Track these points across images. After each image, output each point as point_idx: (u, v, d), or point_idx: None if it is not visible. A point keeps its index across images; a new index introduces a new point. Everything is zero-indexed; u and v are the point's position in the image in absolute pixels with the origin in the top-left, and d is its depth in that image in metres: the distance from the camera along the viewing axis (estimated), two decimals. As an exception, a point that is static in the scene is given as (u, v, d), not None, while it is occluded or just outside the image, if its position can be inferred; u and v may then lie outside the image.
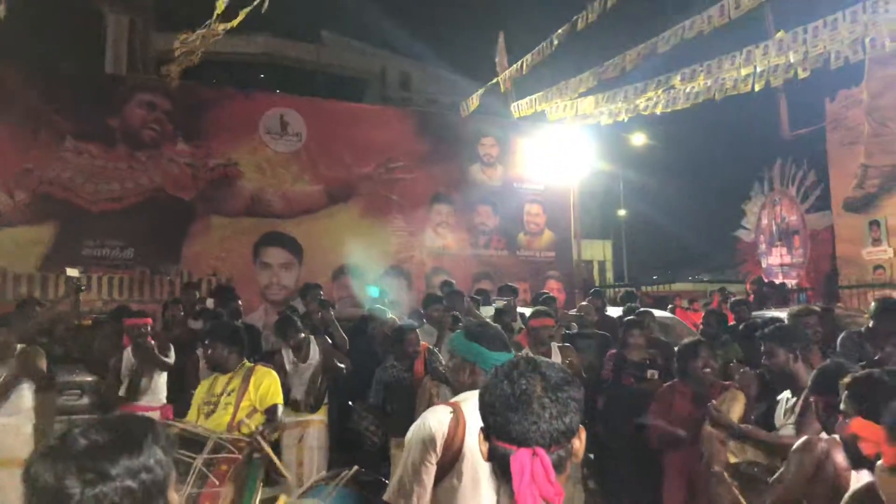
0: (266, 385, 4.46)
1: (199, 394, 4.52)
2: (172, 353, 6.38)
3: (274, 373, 4.60)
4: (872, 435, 1.71)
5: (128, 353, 6.29)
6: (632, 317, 6.60)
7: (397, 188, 13.64)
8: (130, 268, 11.35)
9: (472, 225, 14.53)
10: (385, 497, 2.58)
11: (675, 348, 5.10)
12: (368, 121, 13.85)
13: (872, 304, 6.80)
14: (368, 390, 5.89)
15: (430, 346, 5.98)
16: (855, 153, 15.79)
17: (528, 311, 7.26)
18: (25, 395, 5.65)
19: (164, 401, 6.28)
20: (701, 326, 7.02)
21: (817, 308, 6.17)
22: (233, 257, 12.02)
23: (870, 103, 15.43)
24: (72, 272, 7.40)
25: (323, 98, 15.67)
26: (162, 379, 6.33)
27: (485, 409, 1.55)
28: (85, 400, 7.26)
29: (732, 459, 3.54)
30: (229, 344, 4.51)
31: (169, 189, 11.82)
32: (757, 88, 9.40)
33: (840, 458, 2.52)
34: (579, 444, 1.54)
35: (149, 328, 6.34)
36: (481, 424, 1.59)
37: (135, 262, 11.38)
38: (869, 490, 1.97)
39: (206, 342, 4.64)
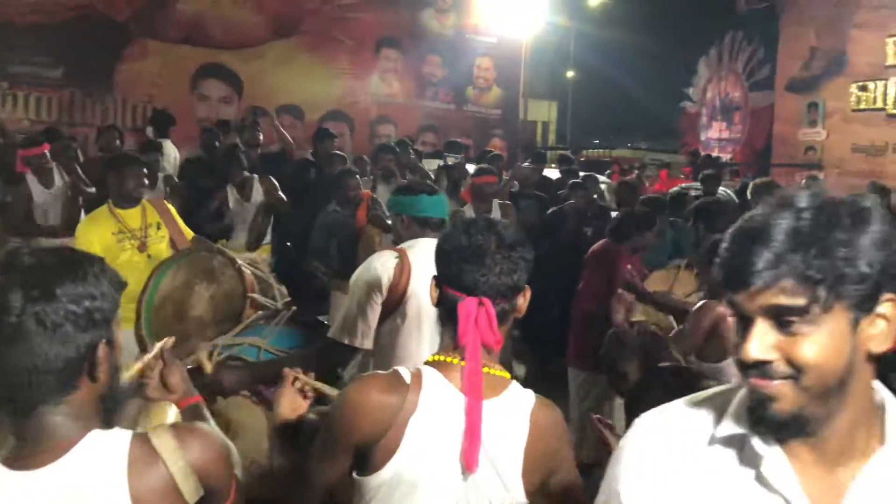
0: (178, 217, 4.43)
1: (101, 229, 4.14)
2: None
3: None
4: None
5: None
6: (577, 180, 6.75)
7: (345, 27, 13.04)
8: (60, 87, 10.77)
9: (420, 75, 14.15)
10: (330, 334, 2.71)
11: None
12: (318, -51, 12.98)
13: (803, 181, 7.17)
14: (308, 231, 5.93)
15: (373, 195, 6.01)
16: (805, 34, 15.85)
17: (472, 168, 7.33)
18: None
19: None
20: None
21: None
22: (169, 86, 11.45)
23: (828, -16, 15.33)
24: None
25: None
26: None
27: (439, 258, 1.65)
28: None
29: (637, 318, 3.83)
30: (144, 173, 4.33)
31: (100, 6, 11.03)
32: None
33: (724, 326, 2.90)
34: (523, 300, 1.66)
35: (47, 156, 5.86)
36: (429, 270, 1.70)
37: (64, 82, 10.79)
38: None
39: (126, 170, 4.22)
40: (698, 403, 1.18)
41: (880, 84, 14.58)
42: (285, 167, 7.23)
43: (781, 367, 0.99)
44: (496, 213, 5.85)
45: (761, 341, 0.99)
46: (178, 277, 3.35)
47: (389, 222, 5.76)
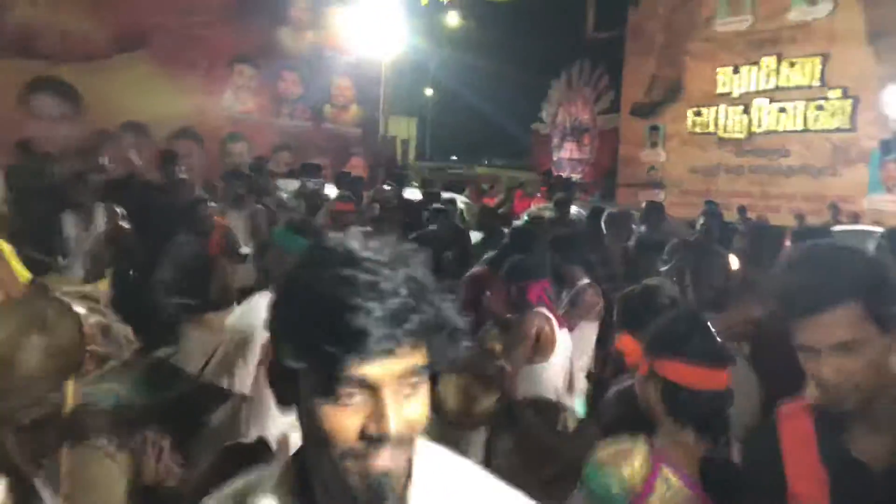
0: (13, 258, 4.02)
1: None
2: None
3: None
4: (634, 350, 1.95)
5: None
6: (439, 205, 6.80)
7: (196, 42, 12.49)
8: None
9: (275, 92, 13.84)
10: (206, 376, 2.55)
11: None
12: (166, -38, 12.37)
13: (644, 204, 7.57)
14: (154, 262, 5.57)
15: (226, 224, 5.75)
16: (647, 62, 16.94)
17: (331, 189, 7.22)
18: None
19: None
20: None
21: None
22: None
23: (666, 16, 16.47)
24: None
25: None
26: None
27: None
28: None
29: None
30: None
31: None
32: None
33: (546, 327, 3.35)
34: None
35: None
36: None
37: None
38: (629, 389, 2.24)
39: None
40: (244, 483, 1.07)
41: (712, 110, 15.81)
42: (129, 192, 6.77)
43: (407, 434, 0.90)
44: (356, 242, 5.76)
45: (398, 412, 0.88)
46: (5, 329, 3.01)
47: (243, 252, 5.60)
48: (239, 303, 5.30)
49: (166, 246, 5.51)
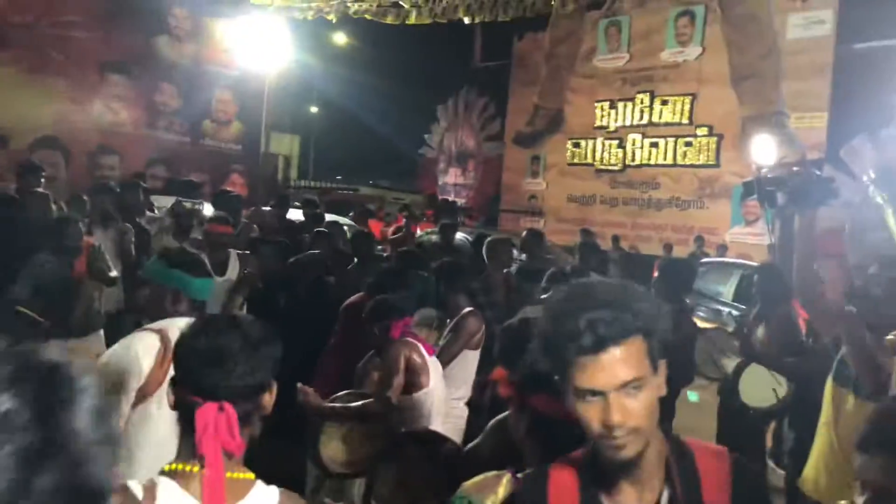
0: None
1: None
2: None
3: None
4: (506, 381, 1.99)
5: None
6: (321, 228, 6.65)
7: (64, 46, 11.73)
8: None
9: (151, 104, 13.21)
10: None
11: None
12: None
13: (524, 233, 7.71)
14: (8, 281, 5.12)
15: (95, 244, 5.36)
16: (531, 93, 17.47)
17: (209, 208, 6.90)
18: None
19: None
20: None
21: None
22: None
23: (550, 49, 17.07)
24: None
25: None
26: None
27: (178, 359, 1.56)
28: None
29: None
30: None
31: None
32: (467, 20, 9.83)
33: (415, 355, 3.36)
34: (269, 398, 1.58)
35: None
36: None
37: None
38: (507, 420, 2.28)
39: None
40: None
41: (590, 142, 16.46)
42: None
43: None
44: (233, 264, 5.51)
45: None
46: None
47: (111, 275, 5.24)
48: (106, 329, 4.98)
49: (24, 264, 5.09)
